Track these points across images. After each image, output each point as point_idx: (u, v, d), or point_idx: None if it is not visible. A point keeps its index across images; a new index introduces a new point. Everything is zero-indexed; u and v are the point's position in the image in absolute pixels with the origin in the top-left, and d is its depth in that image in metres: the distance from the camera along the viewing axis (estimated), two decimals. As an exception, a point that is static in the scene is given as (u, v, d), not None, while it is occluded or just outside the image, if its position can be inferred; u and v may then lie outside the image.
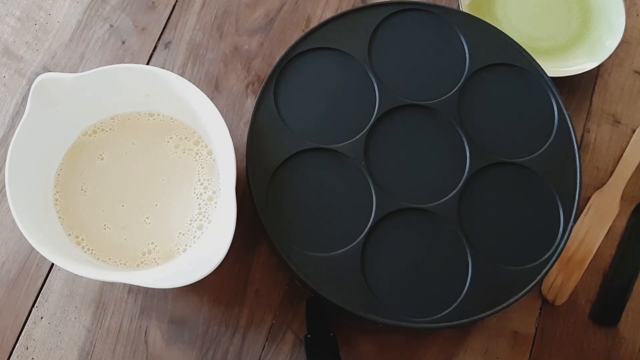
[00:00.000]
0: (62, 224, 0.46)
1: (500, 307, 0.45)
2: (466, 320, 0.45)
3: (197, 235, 0.46)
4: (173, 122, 0.49)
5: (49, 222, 0.45)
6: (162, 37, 0.56)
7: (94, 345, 0.47)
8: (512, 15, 0.59)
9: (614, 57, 0.58)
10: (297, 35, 0.57)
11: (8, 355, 0.47)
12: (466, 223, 0.47)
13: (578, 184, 0.49)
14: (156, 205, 0.47)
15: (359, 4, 0.58)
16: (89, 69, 0.44)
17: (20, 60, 0.55)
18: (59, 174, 0.47)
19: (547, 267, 0.46)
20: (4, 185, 0.42)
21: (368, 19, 0.52)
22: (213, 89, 0.55)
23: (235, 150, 0.42)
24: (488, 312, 0.45)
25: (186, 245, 0.46)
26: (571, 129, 0.50)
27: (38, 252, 0.40)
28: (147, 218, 0.47)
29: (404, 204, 0.47)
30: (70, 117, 0.47)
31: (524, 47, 0.52)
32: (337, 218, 0.47)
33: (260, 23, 0.58)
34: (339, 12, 0.55)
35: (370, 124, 0.49)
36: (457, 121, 0.50)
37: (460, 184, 0.48)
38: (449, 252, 0.46)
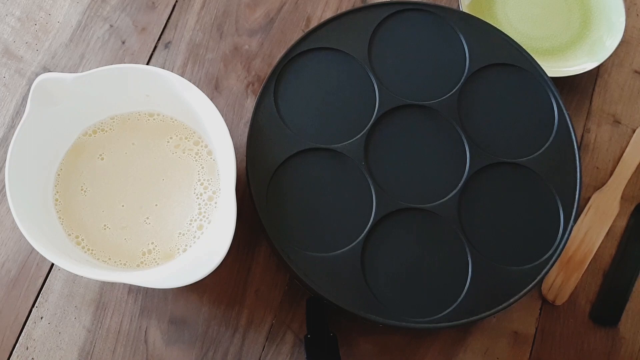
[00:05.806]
0: (62, 224, 0.46)
1: (500, 307, 0.45)
2: (466, 320, 0.45)
3: (197, 235, 0.46)
4: (173, 122, 0.49)
5: (49, 222, 0.45)
6: (162, 37, 0.56)
7: (94, 345, 0.47)
8: (512, 15, 0.59)
9: (614, 57, 0.58)
10: (297, 35, 0.57)
11: (8, 355, 0.47)
12: (466, 223, 0.47)
13: (578, 184, 0.49)
14: (156, 205, 0.47)
15: (359, 4, 0.58)
16: (89, 69, 0.44)
17: (20, 60, 0.55)
18: (59, 174, 0.47)
19: (547, 267, 0.46)
20: (4, 185, 0.42)
21: (368, 19, 0.52)
22: (213, 89, 0.55)
23: (235, 150, 0.42)
24: (488, 312, 0.45)
25: (186, 245, 0.46)
26: (571, 129, 0.50)
27: (38, 252, 0.40)
28: (147, 218, 0.47)
29: (404, 204, 0.47)
30: (70, 117, 0.47)
31: (524, 47, 0.52)
32: (337, 218, 0.47)
33: (260, 23, 0.58)
34: (339, 12, 0.55)
35: (370, 124, 0.49)
36: (457, 121, 0.50)
37: (460, 184, 0.48)
38: (449, 252, 0.46)
